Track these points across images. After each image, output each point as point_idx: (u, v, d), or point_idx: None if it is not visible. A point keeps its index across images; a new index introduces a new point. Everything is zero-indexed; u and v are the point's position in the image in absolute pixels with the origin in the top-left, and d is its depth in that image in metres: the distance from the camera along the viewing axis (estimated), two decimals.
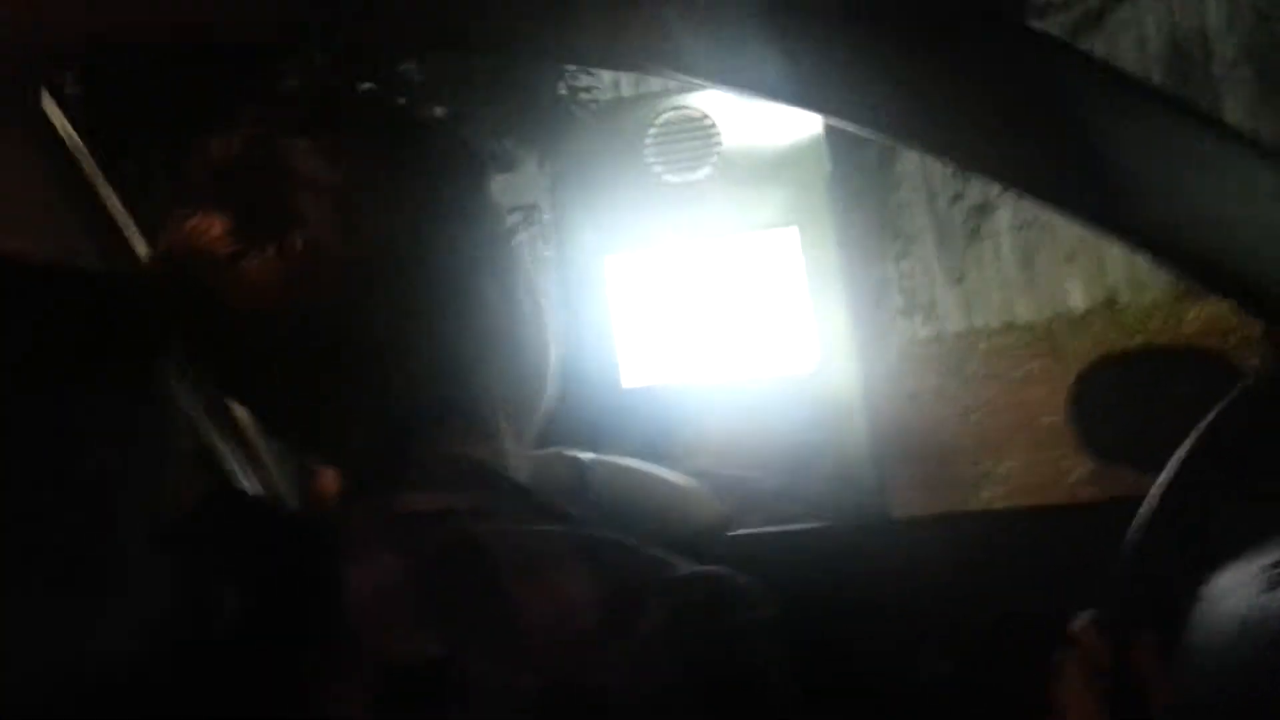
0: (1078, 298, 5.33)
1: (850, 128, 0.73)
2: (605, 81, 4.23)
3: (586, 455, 0.74)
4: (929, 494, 3.12)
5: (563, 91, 3.94)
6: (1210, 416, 0.70)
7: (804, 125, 1.67)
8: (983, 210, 5.20)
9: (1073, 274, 5.34)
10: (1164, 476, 0.68)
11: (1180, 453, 0.69)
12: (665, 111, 1.62)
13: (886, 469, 1.77)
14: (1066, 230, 5.28)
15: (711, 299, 1.65)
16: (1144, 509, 0.67)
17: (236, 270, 0.54)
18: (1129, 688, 0.61)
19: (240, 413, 0.86)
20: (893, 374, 4.26)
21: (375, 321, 0.55)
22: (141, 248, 0.79)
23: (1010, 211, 5.27)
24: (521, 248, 0.63)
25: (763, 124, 1.66)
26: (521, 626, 0.49)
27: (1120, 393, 1.04)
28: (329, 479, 0.60)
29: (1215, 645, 0.59)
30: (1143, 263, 5.27)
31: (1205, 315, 4.49)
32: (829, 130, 1.63)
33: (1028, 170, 0.76)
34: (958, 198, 5.17)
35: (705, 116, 1.63)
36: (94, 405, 0.54)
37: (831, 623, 0.89)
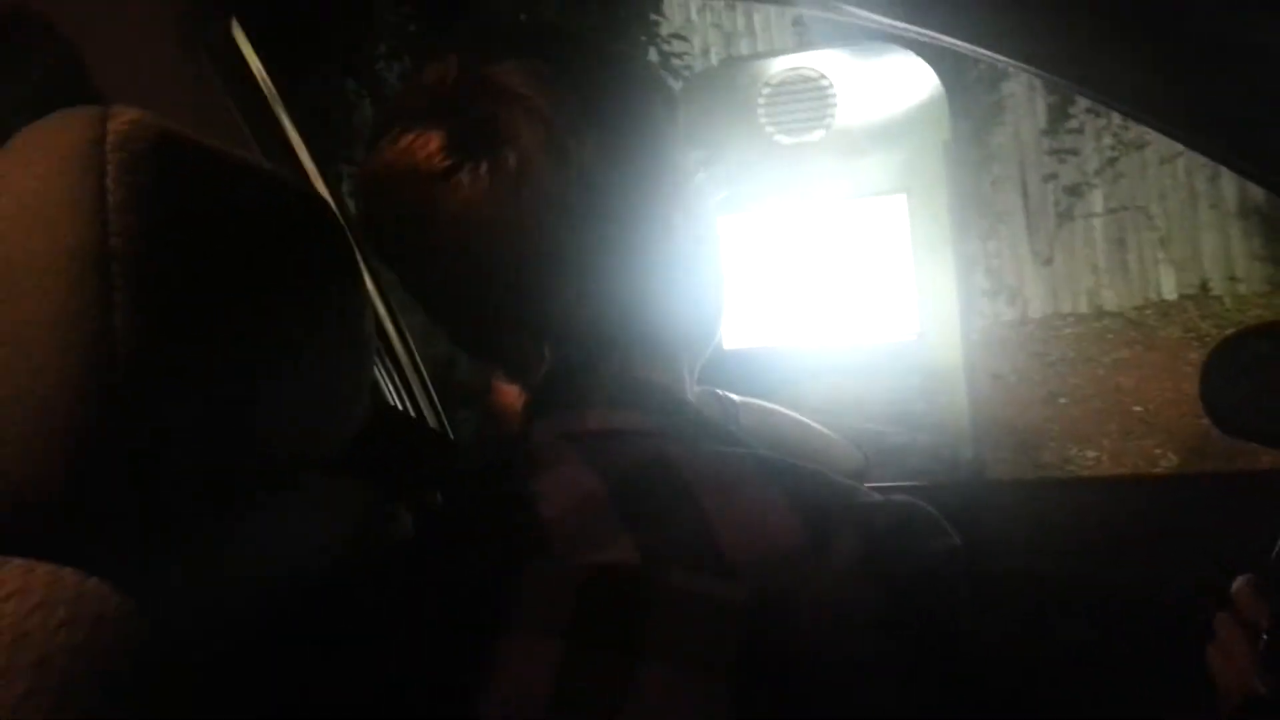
0: (1169, 285, 5.18)
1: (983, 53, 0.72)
2: (696, 49, 4.19)
3: (736, 396, 0.75)
4: (1015, 476, 3.08)
5: (654, 58, 3.93)
6: None
7: (923, 90, 1.64)
8: (1075, 191, 5.06)
9: (1165, 261, 5.18)
10: None
11: None
12: (781, 71, 1.61)
13: (983, 442, 1.75)
14: (1160, 216, 5.13)
15: (819, 262, 1.64)
16: None
17: (450, 184, 0.56)
18: None
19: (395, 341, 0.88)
20: (978, 353, 4.19)
21: (574, 242, 0.57)
22: (315, 172, 0.81)
23: (1103, 194, 5.12)
24: (704, 187, 0.64)
25: (880, 87, 1.64)
26: (722, 540, 0.50)
27: (1256, 367, 1.01)
28: (512, 395, 0.61)
29: None
30: (1238, 252, 5.11)
31: None
32: (952, 92, 1.60)
33: (1158, 94, 0.74)
34: (1050, 177, 5.04)
35: (822, 77, 1.61)
36: (303, 308, 0.56)
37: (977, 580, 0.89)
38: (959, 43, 0.81)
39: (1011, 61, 0.80)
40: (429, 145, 0.57)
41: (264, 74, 0.78)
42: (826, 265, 1.68)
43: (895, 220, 1.63)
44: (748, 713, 0.48)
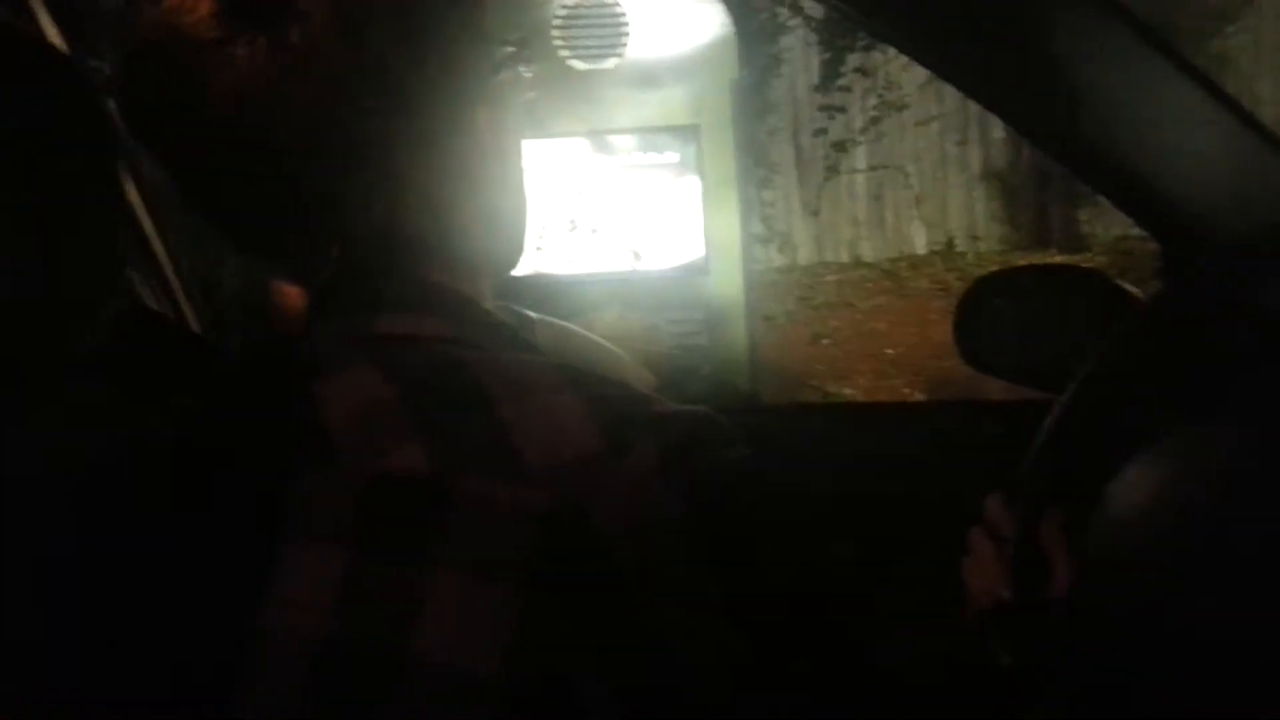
0: (920, 241, 5.59)
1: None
2: None
3: (532, 313, 0.74)
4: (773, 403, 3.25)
5: None
6: (1114, 331, 0.76)
7: (713, 27, 1.66)
8: (841, 147, 5.33)
9: (917, 218, 5.59)
10: (1077, 380, 0.73)
11: (1086, 365, 0.74)
12: None
13: (757, 377, 1.83)
14: (915, 175, 5.51)
15: (609, 191, 1.65)
16: (1056, 410, 0.72)
17: (223, 56, 0.50)
18: (1035, 560, 0.67)
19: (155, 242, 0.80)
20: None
21: (365, 131, 0.52)
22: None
23: (866, 152, 5.44)
24: (510, 89, 0.61)
25: (673, 20, 1.65)
26: (519, 446, 0.49)
27: (1003, 307, 1.10)
28: (294, 297, 0.57)
29: (1121, 531, 0.65)
30: (980, 213, 5.58)
31: (1034, 263, 4.79)
32: (739, 35, 1.63)
33: (976, 70, 0.80)
34: (820, 132, 5.28)
35: (616, 4, 1.60)
36: (48, 195, 0.49)
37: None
38: None
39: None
40: (199, 9, 0.51)
41: None
42: (617, 194, 1.69)
43: (686, 152, 1.66)
44: (545, 619, 0.47)
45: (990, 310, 1.09)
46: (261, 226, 0.56)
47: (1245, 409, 0.67)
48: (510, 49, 0.53)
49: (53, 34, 0.78)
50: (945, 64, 0.88)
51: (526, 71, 0.54)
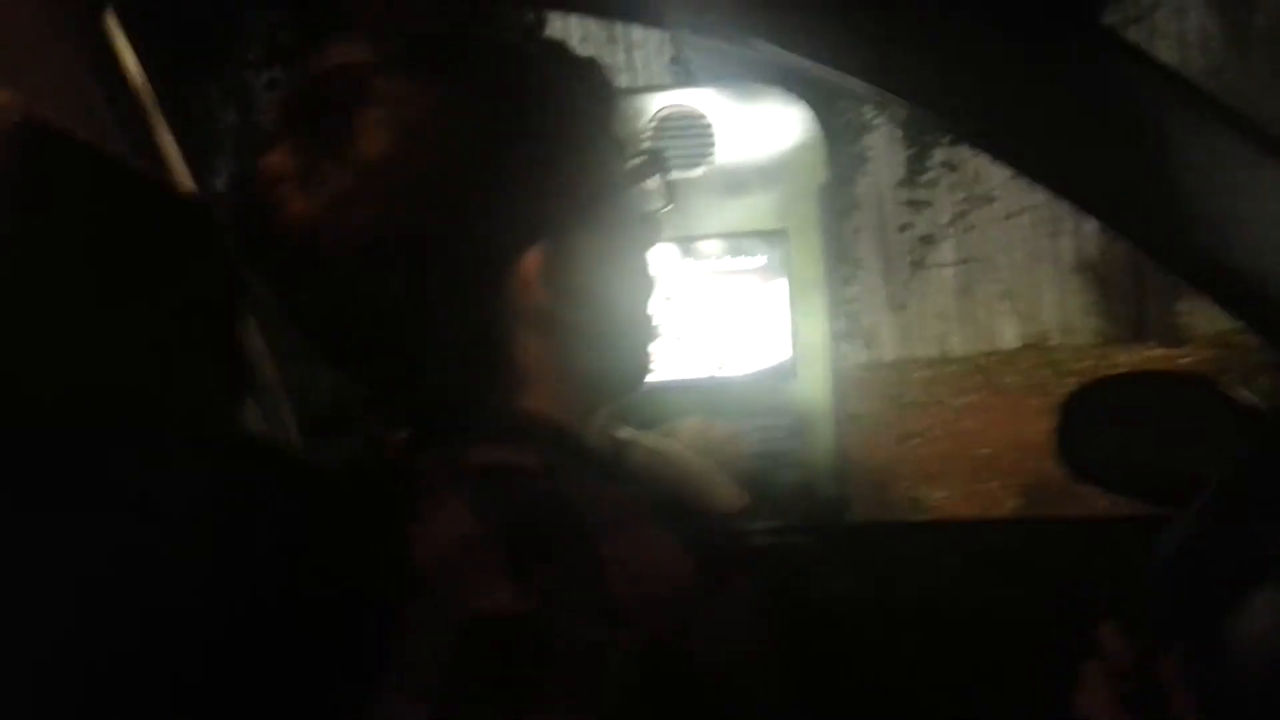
0: (1012, 335, 5.48)
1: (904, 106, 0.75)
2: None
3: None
4: (866, 515, 3.17)
5: None
6: (1240, 450, 0.72)
7: (800, 133, 1.68)
8: (928, 241, 5.30)
9: (1008, 311, 5.49)
10: (1198, 501, 0.69)
11: (1213, 482, 0.70)
12: (664, 107, 1.62)
13: (844, 481, 1.79)
14: (1004, 268, 5.43)
15: (697, 297, 1.65)
16: (1177, 528, 0.69)
17: (279, 196, 0.52)
18: (1154, 696, 0.62)
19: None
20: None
21: (398, 290, 0.53)
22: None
23: (953, 245, 5.39)
24: (644, 222, 0.60)
25: (760, 127, 1.66)
26: (613, 584, 0.48)
27: (1109, 414, 1.06)
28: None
29: (1245, 664, 0.60)
30: (1073, 306, 5.46)
31: (1134, 359, 4.65)
32: (825, 138, 1.64)
33: (1071, 173, 0.78)
34: (906, 227, 5.27)
35: (703, 115, 1.63)
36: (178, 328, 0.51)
37: (848, 622, 0.90)
38: (844, 76, 0.84)
39: (888, 94, 0.82)
40: (273, 155, 0.53)
41: (140, 72, 0.72)
42: (703, 299, 1.69)
43: (774, 259, 1.65)
44: None
45: (1095, 419, 1.05)
46: (345, 345, 0.56)
47: None
48: (634, 160, 0.52)
49: (174, 154, 0.82)
50: (1043, 169, 0.87)
51: (651, 184, 0.54)
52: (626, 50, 5.19)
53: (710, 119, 1.67)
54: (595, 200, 0.58)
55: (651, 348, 0.63)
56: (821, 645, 0.50)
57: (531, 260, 0.55)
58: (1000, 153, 0.89)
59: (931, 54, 0.81)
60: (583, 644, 0.47)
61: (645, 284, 0.61)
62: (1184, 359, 4.58)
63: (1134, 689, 0.63)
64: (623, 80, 5.14)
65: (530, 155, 0.55)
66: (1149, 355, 4.77)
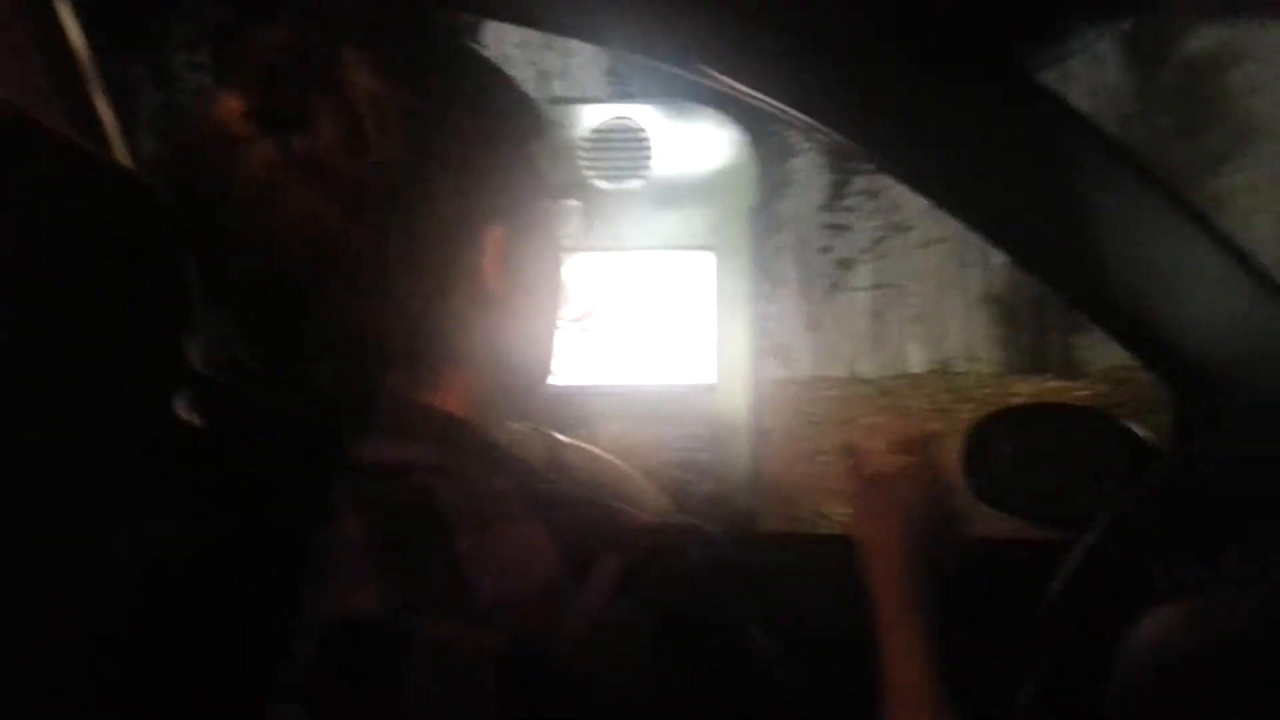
0: (919, 360, 5.65)
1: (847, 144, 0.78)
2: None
3: (563, 436, 0.75)
4: (772, 528, 3.23)
5: None
6: (1141, 481, 0.77)
7: (733, 153, 1.72)
8: (845, 265, 5.44)
9: (916, 337, 5.66)
10: (1096, 531, 0.74)
11: (1109, 514, 0.75)
12: (604, 119, 1.64)
13: (764, 496, 1.83)
14: (916, 295, 5.60)
15: (624, 308, 1.67)
16: (1077, 555, 0.74)
17: (240, 153, 0.52)
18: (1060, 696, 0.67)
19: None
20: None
21: (361, 244, 0.52)
22: (124, 156, 0.75)
23: (869, 270, 5.54)
24: (549, 216, 0.61)
25: (695, 147, 1.70)
26: (473, 585, 0.48)
27: (1012, 443, 1.11)
28: None
29: (1134, 675, 0.65)
30: (978, 336, 5.66)
31: (1032, 390, 4.83)
32: (762, 157, 1.69)
33: (996, 216, 0.83)
34: (826, 249, 5.40)
35: (642, 129, 1.66)
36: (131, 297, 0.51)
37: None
38: (777, 104, 0.87)
39: (816, 122, 0.86)
40: (228, 112, 0.52)
41: (84, 46, 0.71)
42: (631, 311, 1.72)
43: (700, 275, 1.69)
44: None
45: (998, 446, 1.10)
46: (263, 328, 0.56)
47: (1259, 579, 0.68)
48: (550, 174, 0.53)
49: (114, 131, 0.80)
50: (960, 204, 0.92)
51: (570, 201, 0.55)
52: (563, 56, 5.20)
53: (649, 135, 1.70)
54: (538, 197, 0.59)
55: (556, 350, 0.64)
56: (696, 630, 0.50)
57: (492, 238, 0.56)
58: (918, 184, 0.94)
59: (857, 86, 0.85)
60: (441, 645, 0.47)
61: (563, 288, 0.63)
62: (1080, 391, 4.78)
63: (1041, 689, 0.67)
64: (558, 87, 5.14)
65: (492, 135, 0.56)
66: (1046, 386, 4.97)
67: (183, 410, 0.58)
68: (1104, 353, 5.25)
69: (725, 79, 0.86)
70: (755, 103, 0.87)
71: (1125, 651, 0.67)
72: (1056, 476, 1.03)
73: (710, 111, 1.71)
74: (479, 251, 0.56)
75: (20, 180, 0.44)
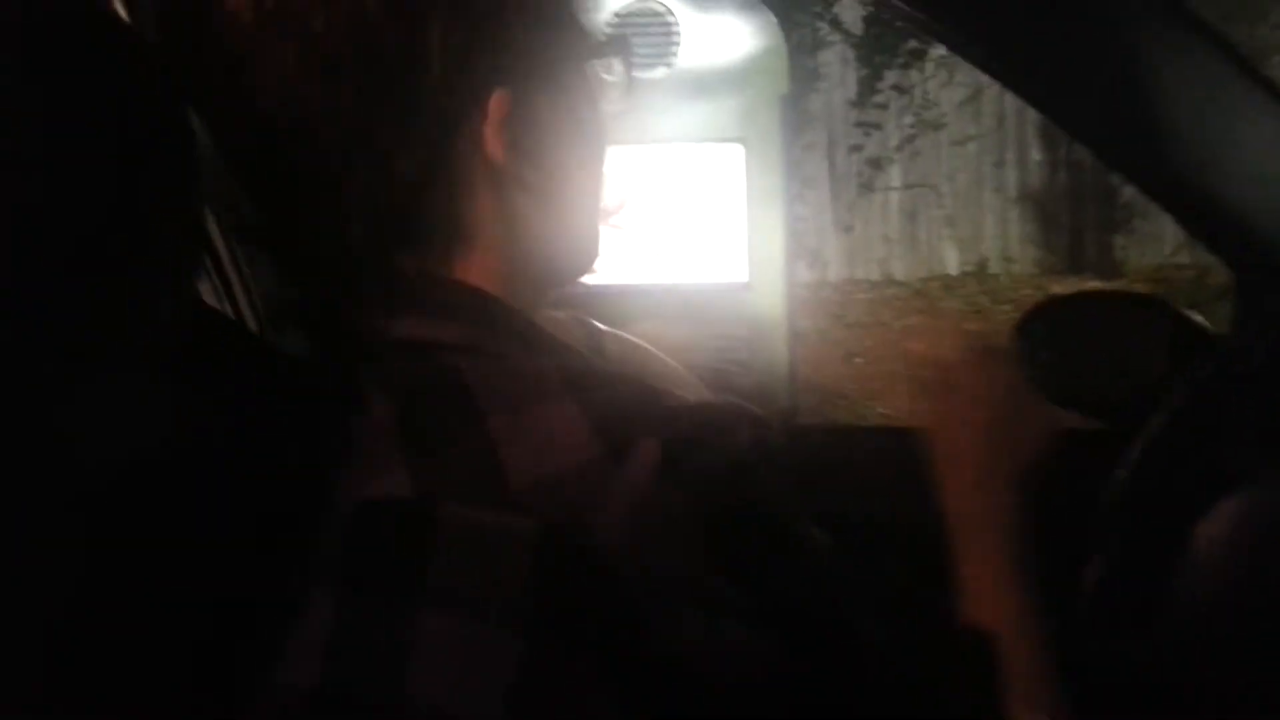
0: (953, 261, 5.54)
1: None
2: None
3: (600, 324, 0.71)
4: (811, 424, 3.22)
5: None
6: (1196, 368, 0.73)
7: (763, 40, 1.64)
8: (876, 164, 5.31)
9: (951, 238, 5.54)
10: (1157, 420, 0.71)
11: (1170, 403, 0.71)
12: (628, 2, 1.56)
13: (801, 396, 1.80)
14: (949, 195, 5.47)
15: (652, 203, 1.62)
16: (1139, 446, 0.70)
17: (217, 12, 0.48)
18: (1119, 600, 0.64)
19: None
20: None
21: (344, 108, 0.49)
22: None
23: (901, 170, 5.41)
24: (579, 91, 0.57)
25: (724, 33, 1.62)
26: (506, 465, 0.45)
27: (1063, 334, 1.07)
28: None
29: (1209, 569, 0.62)
30: (1013, 236, 5.53)
31: (1070, 289, 4.75)
32: (791, 49, 1.60)
33: (1057, 89, 0.77)
34: (856, 148, 5.26)
35: (669, 13, 1.58)
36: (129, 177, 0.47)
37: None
38: None
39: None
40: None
41: None
42: (659, 206, 1.66)
43: (730, 169, 1.63)
44: (549, 654, 0.43)
45: (1049, 338, 1.06)
46: (268, 200, 0.53)
47: None
48: (571, 33, 0.48)
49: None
50: (1018, 74, 0.85)
51: (613, 69, 0.51)
52: None
53: (676, 20, 1.62)
54: (557, 63, 0.54)
55: (599, 239, 0.60)
56: (735, 515, 0.47)
57: (494, 106, 0.51)
58: (978, 56, 0.88)
59: None
60: (472, 530, 0.45)
61: (599, 170, 0.59)
62: (1122, 291, 4.69)
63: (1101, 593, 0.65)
64: None
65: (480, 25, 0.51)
66: (1085, 286, 4.88)
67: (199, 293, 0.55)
68: (1143, 251, 5.13)
69: None
70: None
71: (1192, 542, 0.64)
72: (1111, 366, 0.99)
73: None
74: (480, 118, 0.51)
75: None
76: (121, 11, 0.76)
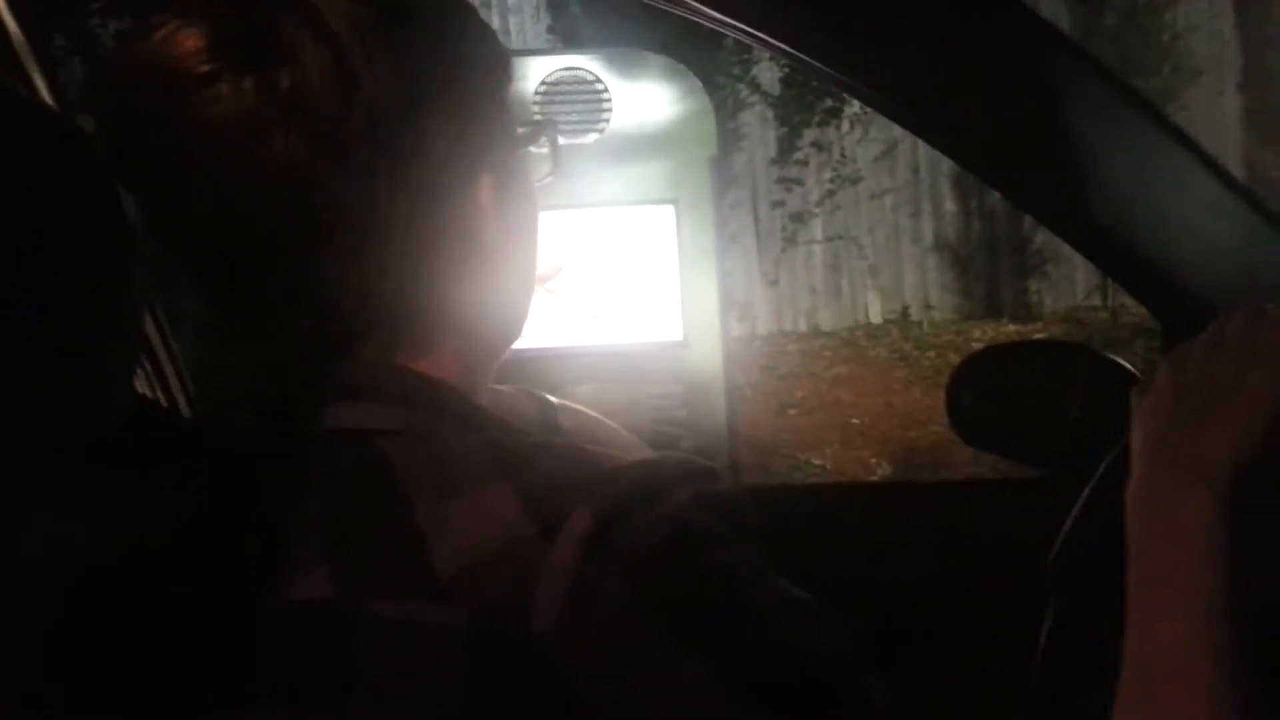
0: (876, 310, 5.66)
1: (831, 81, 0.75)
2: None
3: (552, 397, 0.71)
4: (753, 482, 3.23)
5: None
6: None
7: (691, 103, 1.67)
8: (798, 218, 5.43)
9: (873, 287, 5.66)
10: (1107, 463, 0.71)
11: (1113, 451, 0.72)
12: (556, 70, 1.59)
13: (739, 450, 1.81)
14: (869, 246, 5.60)
15: (586, 266, 1.63)
16: (1085, 498, 0.71)
17: (206, 94, 0.46)
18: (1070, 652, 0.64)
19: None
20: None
21: (350, 191, 0.47)
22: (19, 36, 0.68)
23: (822, 223, 5.53)
24: (526, 165, 0.58)
25: (652, 98, 1.65)
26: (432, 557, 0.43)
27: (996, 383, 1.09)
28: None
29: None
30: (932, 283, 5.68)
31: (991, 335, 4.88)
32: (716, 113, 1.64)
33: (992, 154, 0.80)
34: (778, 204, 5.37)
35: (597, 80, 1.61)
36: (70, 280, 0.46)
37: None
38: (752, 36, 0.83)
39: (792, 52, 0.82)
40: (187, 43, 0.46)
41: (13, 19, 0.65)
42: (595, 270, 1.67)
43: (662, 230, 1.65)
44: None
45: (983, 388, 1.08)
46: (229, 283, 0.51)
47: None
48: (531, 120, 0.50)
49: (45, 93, 0.75)
50: (941, 132, 0.88)
51: (540, 148, 0.52)
52: (502, 15, 5.08)
53: (606, 86, 1.65)
54: (518, 143, 0.56)
55: (524, 311, 0.60)
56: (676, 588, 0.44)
57: (485, 186, 0.52)
58: (898, 113, 0.90)
59: (832, 10, 0.81)
60: (401, 626, 0.43)
61: (535, 239, 0.59)
62: (1038, 333, 4.83)
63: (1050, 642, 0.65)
64: (513, 41, 5.04)
65: (477, 70, 0.53)
66: (1005, 330, 5.02)
67: (129, 381, 0.53)
68: (1056, 295, 5.31)
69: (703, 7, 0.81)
70: (719, 27, 0.82)
71: None
72: (1038, 412, 1.01)
73: (664, 59, 1.66)
74: (473, 204, 0.52)
75: None
76: (46, 97, 0.75)
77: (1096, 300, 4.97)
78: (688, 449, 1.55)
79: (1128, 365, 1.00)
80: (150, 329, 0.85)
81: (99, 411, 0.50)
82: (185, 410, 0.91)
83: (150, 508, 0.52)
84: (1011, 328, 5.05)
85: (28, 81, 0.69)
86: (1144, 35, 5.16)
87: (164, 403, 0.83)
